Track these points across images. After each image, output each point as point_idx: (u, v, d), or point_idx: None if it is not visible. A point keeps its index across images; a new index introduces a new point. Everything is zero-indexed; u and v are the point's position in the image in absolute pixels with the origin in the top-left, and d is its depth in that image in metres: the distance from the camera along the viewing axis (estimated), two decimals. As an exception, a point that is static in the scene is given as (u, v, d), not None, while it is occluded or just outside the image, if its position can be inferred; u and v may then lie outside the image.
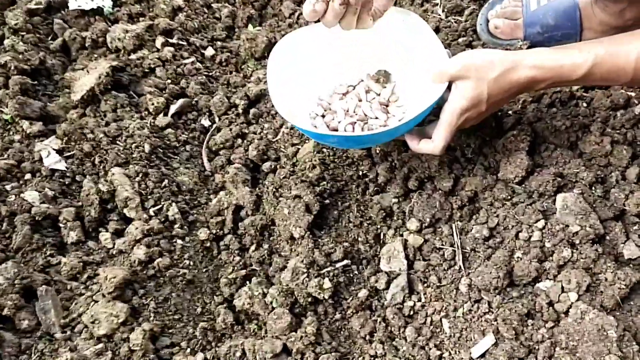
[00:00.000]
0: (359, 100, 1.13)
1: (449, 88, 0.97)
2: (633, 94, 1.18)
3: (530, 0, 1.30)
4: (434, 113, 1.00)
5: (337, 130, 1.08)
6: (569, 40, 1.27)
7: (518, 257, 0.97)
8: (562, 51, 0.94)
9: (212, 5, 1.52)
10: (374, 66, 1.15)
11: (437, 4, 1.45)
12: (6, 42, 1.34)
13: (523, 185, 1.06)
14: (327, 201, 1.12)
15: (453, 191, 1.10)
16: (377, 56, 1.14)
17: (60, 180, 1.15)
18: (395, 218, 1.10)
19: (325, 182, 1.13)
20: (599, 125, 1.11)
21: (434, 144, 0.99)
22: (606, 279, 0.92)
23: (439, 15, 1.41)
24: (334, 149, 1.19)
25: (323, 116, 1.11)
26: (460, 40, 1.33)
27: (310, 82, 1.13)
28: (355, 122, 1.09)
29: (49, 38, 1.41)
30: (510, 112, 1.15)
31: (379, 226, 1.10)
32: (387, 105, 1.12)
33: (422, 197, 1.08)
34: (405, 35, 1.09)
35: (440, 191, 1.09)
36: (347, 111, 1.11)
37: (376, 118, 1.09)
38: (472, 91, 0.94)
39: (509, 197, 1.05)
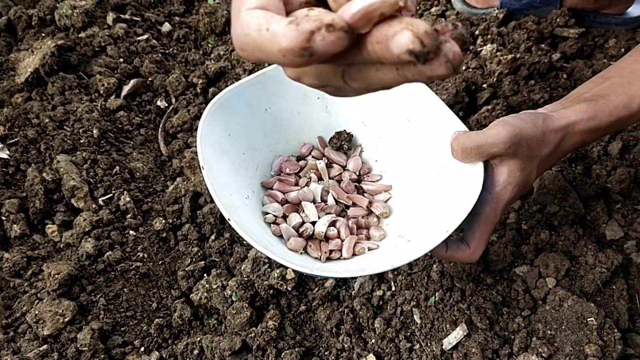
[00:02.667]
0: (319, 179, 0.86)
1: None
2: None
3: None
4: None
5: (312, 235, 0.80)
6: (548, 6, 1.19)
7: (492, 241, 0.90)
8: (612, 102, 0.74)
9: (170, -22, 1.42)
10: (326, 128, 0.87)
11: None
12: (-56, 22, 1.25)
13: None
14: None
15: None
16: (324, 115, 0.86)
17: (3, 169, 1.06)
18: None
19: (288, 165, 1.06)
20: (579, 97, 1.04)
21: (471, 251, 0.73)
22: (586, 263, 0.86)
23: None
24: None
25: (284, 216, 0.82)
26: (432, 10, 1.25)
27: (248, 166, 0.83)
28: (336, 222, 0.81)
29: (-7, 17, 1.31)
30: (484, 85, 1.08)
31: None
32: (358, 182, 0.87)
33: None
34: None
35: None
36: (313, 201, 0.83)
37: (354, 205, 0.84)
38: (521, 175, 0.70)
39: (484, 176, 0.98)
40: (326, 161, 0.87)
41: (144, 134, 1.16)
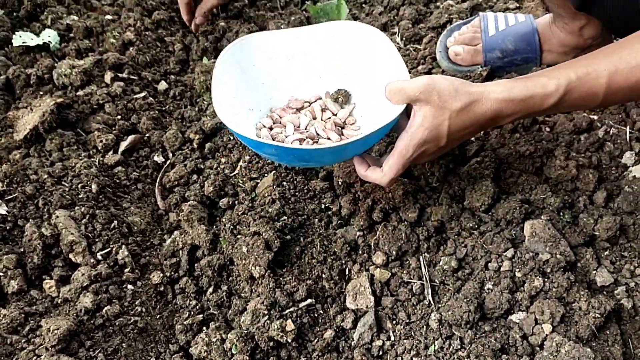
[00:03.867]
0: (313, 117, 1.05)
1: (407, 114, 0.88)
2: (595, 117, 1.17)
3: (489, 26, 1.30)
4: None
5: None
6: (529, 64, 1.26)
7: (488, 289, 0.93)
8: (531, 80, 0.86)
9: (165, 39, 1.47)
10: (334, 84, 1.08)
11: (396, 33, 1.43)
12: (-56, 81, 1.27)
13: (490, 213, 1.02)
14: (288, 237, 1.06)
15: (419, 222, 1.05)
16: (338, 74, 1.08)
17: (1, 225, 1.06)
18: (360, 252, 1.04)
19: (285, 217, 1.08)
20: (563, 150, 1.09)
21: (382, 173, 0.89)
22: (580, 308, 0.88)
23: (398, 43, 1.39)
24: (295, 181, 1.14)
25: (271, 128, 1.03)
26: (419, 67, 1.31)
27: (263, 92, 1.06)
28: (304, 140, 1.00)
29: (-9, 76, 1.34)
30: (472, 139, 1.12)
31: (343, 261, 1.04)
32: (342, 127, 1.05)
33: (387, 229, 1.03)
34: (369, 56, 1.03)
35: (405, 222, 1.04)
36: (298, 127, 1.03)
37: (328, 139, 1.01)
38: (433, 120, 0.84)
39: (476, 226, 1.01)
40: (323, 106, 1.06)
41: (141, 189, 1.17)
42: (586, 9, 0.96)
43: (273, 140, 0.98)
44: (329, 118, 1.05)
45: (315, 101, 1.08)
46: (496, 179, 1.06)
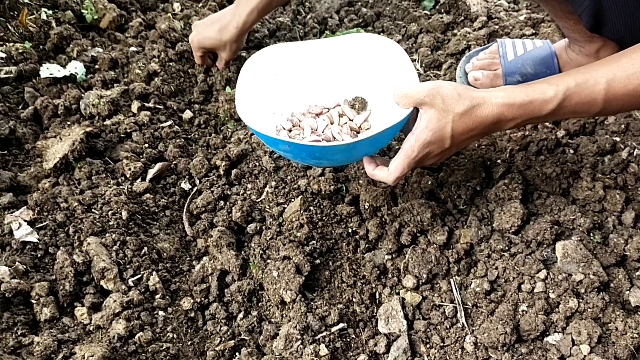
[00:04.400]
0: (331, 122, 1.11)
1: (415, 120, 0.92)
2: (618, 139, 1.17)
3: (507, 52, 1.32)
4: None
5: None
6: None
7: (523, 311, 0.92)
8: (531, 87, 0.89)
9: (189, 70, 1.50)
10: (352, 92, 1.15)
11: (415, 59, 1.45)
12: (-26, 112, 1.29)
13: (520, 234, 1.03)
14: (317, 261, 1.06)
15: (448, 244, 1.06)
16: (356, 83, 1.14)
17: (32, 253, 1.07)
18: (390, 275, 1.05)
19: (314, 242, 1.08)
20: (588, 171, 1.09)
21: (388, 172, 0.93)
22: (617, 329, 0.88)
23: (418, 69, 1.41)
24: (321, 206, 1.14)
25: (290, 130, 1.10)
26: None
27: (285, 97, 1.13)
28: (320, 141, 1.05)
29: (20, 107, 1.36)
30: (499, 161, 1.13)
31: (373, 285, 1.04)
32: (357, 132, 1.10)
33: (416, 252, 1.04)
34: (384, 65, 1.08)
35: (434, 245, 1.05)
36: (315, 130, 1.09)
37: (342, 140, 1.05)
38: (437, 123, 0.88)
39: (507, 248, 1.01)
40: (341, 112, 1.12)
41: (170, 215, 1.18)
42: (598, 30, 0.98)
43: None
44: (345, 123, 1.12)
45: (334, 107, 1.15)
46: (524, 200, 1.07)
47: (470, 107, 0.87)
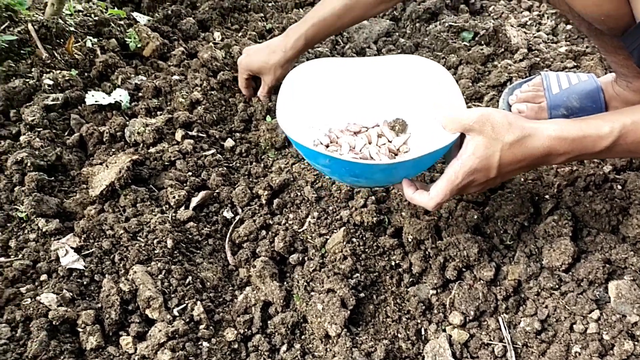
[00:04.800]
0: (369, 142, 1.09)
1: (459, 144, 0.90)
2: (668, 175, 1.15)
3: (552, 85, 1.31)
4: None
5: None
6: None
7: (576, 352, 0.90)
8: (586, 122, 0.87)
9: (229, 99, 1.52)
10: (393, 113, 1.13)
11: (456, 91, 1.45)
12: (22, 138, 1.32)
13: (570, 273, 1.01)
14: (361, 294, 1.06)
15: (495, 281, 1.04)
16: (397, 104, 1.12)
17: (78, 280, 1.08)
18: (435, 311, 1.03)
19: (358, 274, 1.08)
20: (638, 208, 1.07)
21: (429, 197, 0.90)
22: (675, 373, 0.85)
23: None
24: (364, 237, 1.14)
25: (327, 146, 1.08)
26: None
27: (324, 113, 1.11)
28: (357, 159, 1.02)
29: (66, 133, 1.39)
30: (547, 196, 1.12)
31: (419, 320, 1.03)
32: (395, 154, 1.07)
33: (462, 287, 1.02)
34: (430, 88, 1.07)
35: (481, 281, 1.03)
36: (353, 148, 1.07)
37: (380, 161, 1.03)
38: (485, 150, 0.85)
39: (557, 286, 0.99)
40: (380, 133, 1.10)
41: (212, 244, 1.19)
42: None
43: None
44: (384, 144, 1.09)
45: (373, 127, 1.13)
46: (574, 237, 1.05)
47: (521, 137, 0.85)
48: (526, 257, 1.04)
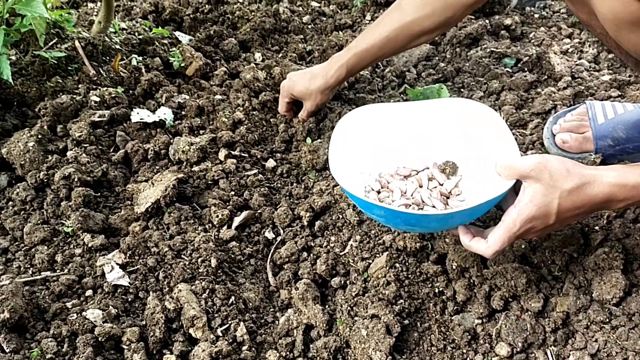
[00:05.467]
0: (420, 185, 1.10)
1: (514, 191, 0.90)
2: None
3: (597, 114, 1.30)
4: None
5: None
6: (642, 152, 1.25)
7: (627, 391, 0.88)
8: None
9: (270, 119, 1.53)
10: (442, 156, 1.13)
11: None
12: (69, 153, 1.34)
13: (621, 306, 0.99)
14: (406, 321, 1.04)
15: (542, 312, 1.02)
16: (448, 147, 1.13)
17: (123, 297, 1.09)
18: (481, 341, 1.02)
19: (402, 300, 1.07)
20: (690, 242, 1.05)
21: (487, 245, 0.89)
22: None
23: (503, 128, 1.40)
24: (407, 263, 1.13)
25: (378, 192, 1.08)
26: (529, 152, 1.31)
27: (374, 158, 1.13)
28: (410, 205, 1.04)
29: (111, 150, 1.41)
30: (596, 227, 1.10)
31: (464, 350, 1.01)
32: (447, 197, 1.08)
33: (510, 318, 1.01)
34: (479, 130, 1.07)
35: (529, 312, 1.02)
36: (405, 193, 1.07)
37: (433, 207, 1.04)
38: (543, 198, 0.85)
39: (607, 320, 0.97)
40: (430, 176, 1.11)
41: (254, 264, 1.19)
42: None
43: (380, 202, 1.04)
44: (435, 187, 1.10)
45: (423, 170, 1.13)
46: (624, 270, 1.03)
47: (580, 184, 0.85)
48: (575, 289, 1.03)
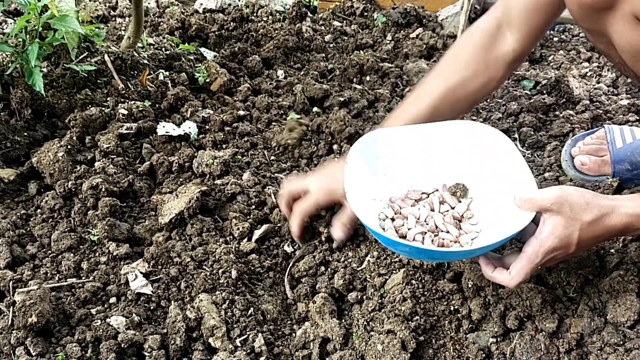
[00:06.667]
0: (431, 209, 1.10)
1: (533, 220, 0.92)
2: None
3: (615, 138, 1.31)
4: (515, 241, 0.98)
5: (405, 237, 1.05)
6: (659, 178, 1.26)
7: (642, 413, 0.88)
8: None
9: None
10: (451, 178, 1.14)
11: (517, 139, 1.47)
12: (97, 164, 1.39)
13: (635, 329, 0.99)
14: (421, 338, 1.06)
15: (556, 333, 1.03)
16: (456, 169, 1.14)
17: (146, 305, 1.12)
18: (495, 360, 1.03)
19: (418, 317, 1.08)
20: None
21: (510, 276, 0.92)
22: None
23: (521, 149, 1.42)
24: (423, 280, 1.15)
25: (392, 219, 1.09)
26: (546, 174, 1.33)
27: (383, 183, 1.13)
28: (425, 232, 1.05)
29: (137, 162, 1.45)
30: (612, 250, 1.11)
31: (478, 368, 1.02)
32: (460, 221, 1.09)
33: (524, 338, 1.02)
34: (489, 153, 1.09)
35: (543, 332, 1.03)
36: (419, 219, 1.08)
37: (447, 232, 1.06)
38: (564, 230, 0.88)
39: (621, 342, 0.98)
40: (441, 199, 1.11)
41: (272, 277, 1.22)
42: None
43: (397, 231, 1.07)
44: (447, 211, 1.11)
45: (433, 193, 1.14)
46: (639, 293, 1.04)
47: (600, 215, 0.88)
48: (590, 310, 1.04)
